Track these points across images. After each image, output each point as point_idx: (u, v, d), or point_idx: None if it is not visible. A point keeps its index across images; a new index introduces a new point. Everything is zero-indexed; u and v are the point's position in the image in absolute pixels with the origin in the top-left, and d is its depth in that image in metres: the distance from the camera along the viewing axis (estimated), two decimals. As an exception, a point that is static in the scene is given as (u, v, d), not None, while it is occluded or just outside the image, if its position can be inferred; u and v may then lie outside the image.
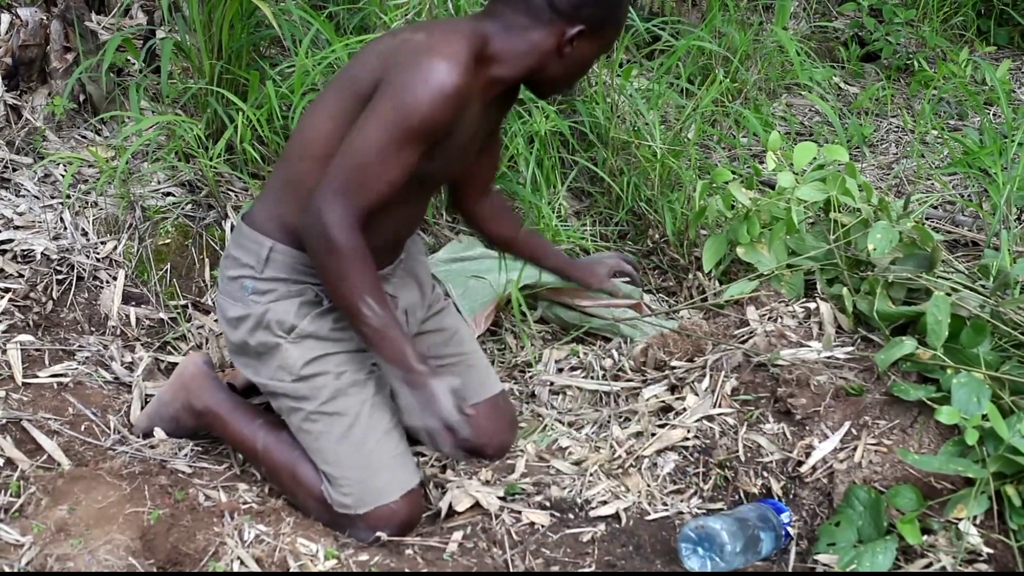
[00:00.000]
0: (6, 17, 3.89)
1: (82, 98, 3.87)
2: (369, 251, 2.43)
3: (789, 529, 2.59)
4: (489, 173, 3.03)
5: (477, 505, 2.72)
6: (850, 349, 2.95)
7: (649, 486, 2.79)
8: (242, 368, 2.72)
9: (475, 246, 3.63)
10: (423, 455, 2.93)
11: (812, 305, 3.15)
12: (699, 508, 2.72)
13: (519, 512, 2.70)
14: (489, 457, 2.91)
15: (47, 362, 3.07)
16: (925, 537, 2.44)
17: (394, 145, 2.38)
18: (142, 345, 3.26)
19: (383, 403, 2.65)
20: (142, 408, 2.96)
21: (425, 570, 2.48)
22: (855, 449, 2.67)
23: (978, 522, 2.46)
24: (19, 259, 3.32)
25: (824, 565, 2.48)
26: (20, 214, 3.45)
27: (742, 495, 2.74)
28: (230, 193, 3.69)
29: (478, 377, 2.92)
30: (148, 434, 2.88)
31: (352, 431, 2.57)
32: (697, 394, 2.99)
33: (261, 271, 2.61)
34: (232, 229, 3.56)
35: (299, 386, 2.59)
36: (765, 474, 2.75)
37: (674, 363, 3.13)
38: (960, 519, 2.45)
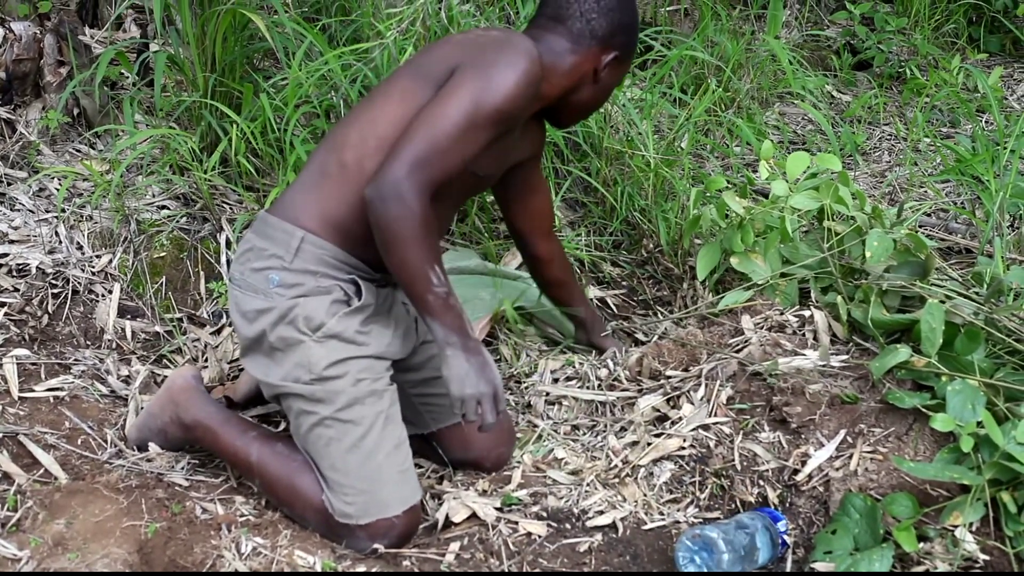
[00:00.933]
0: None
1: (76, 112, 3.88)
2: (434, 221, 2.49)
3: (786, 537, 2.59)
4: (547, 208, 3.21)
5: (474, 516, 2.72)
6: (845, 357, 2.95)
7: (645, 495, 2.79)
8: (252, 367, 2.69)
9: (471, 257, 3.63)
10: (421, 465, 2.94)
11: (807, 313, 3.15)
12: (696, 517, 2.72)
13: (516, 522, 2.70)
14: (487, 470, 2.92)
15: (43, 376, 3.07)
16: (921, 544, 2.45)
17: (476, 121, 2.47)
18: (138, 358, 3.26)
19: (395, 417, 2.66)
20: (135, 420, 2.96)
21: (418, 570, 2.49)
22: (851, 457, 2.68)
23: (974, 529, 2.46)
24: (14, 273, 3.32)
25: (821, 573, 2.48)
26: (15, 228, 3.46)
27: (738, 504, 2.74)
28: (225, 206, 3.69)
29: None
30: (142, 446, 2.88)
31: (363, 442, 2.57)
32: (693, 403, 2.99)
33: (290, 261, 2.59)
34: (227, 242, 3.56)
35: (316, 388, 2.58)
36: (761, 483, 2.76)
37: (669, 372, 3.13)
38: (956, 526, 2.45)
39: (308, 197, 2.63)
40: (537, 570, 2.56)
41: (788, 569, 2.56)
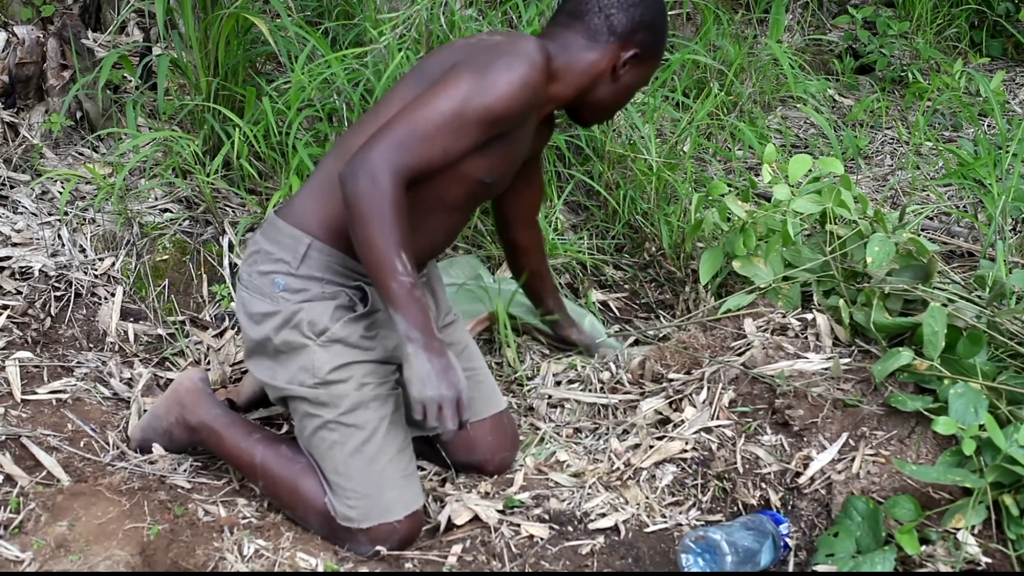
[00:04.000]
0: (2, 35, 3.90)
1: (79, 115, 3.89)
2: (404, 207, 2.39)
3: (788, 540, 2.59)
4: (536, 201, 3.20)
5: (476, 518, 2.72)
6: (847, 360, 2.95)
7: (648, 498, 2.79)
8: (256, 370, 2.70)
9: (472, 266, 3.62)
10: (423, 468, 2.94)
11: (809, 317, 3.15)
12: (698, 520, 2.72)
13: (518, 525, 2.70)
14: (489, 473, 2.92)
15: (46, 378, 3.07)
16: (923, 547, 2.45)
17: (462, 118, 2.43)
18: (140, 361, 3.27)
19: (400, 421, 2.66)
20: (138, 421, 2.96)
21: (419, 570, 2.49)
22: (853, 460, 2.68)
23: (976, 532, 2.46)
24: (17, 276, 3.33)
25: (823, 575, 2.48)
26: (18, 231, 3.46)
27: (740, 506, 2.74)
28: (227, 209, 3.70)
29: (484, 393, 2.93)
30: (146, 449, 2.88)
31: (367, 446, 2.58)
32: (695, 406, 2.99)
33: (297, 267, 2.60)
34: (230, 245, 3.56)
35: (320, 392, 2.58)
36: (763, 485, 2.76)
37: (672, 375, 3.13)
38: (958, 529, 2.45)
39: (316, 204, 2.63)
40: (539, 573, 2.56)
41: (790, 571, 2.56)
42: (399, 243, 2.36)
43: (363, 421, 2.58)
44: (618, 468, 2.89)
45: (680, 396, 3.05)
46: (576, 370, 3.32)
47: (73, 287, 3.36)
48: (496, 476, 2.92)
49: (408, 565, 2.55)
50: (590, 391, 3.22)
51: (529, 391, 3.25)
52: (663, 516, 2.74)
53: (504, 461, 2.93)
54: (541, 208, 3.29)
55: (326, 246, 2.60)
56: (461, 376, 2.43)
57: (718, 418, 2.94)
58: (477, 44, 2.58)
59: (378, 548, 2.54)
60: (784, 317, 3.18)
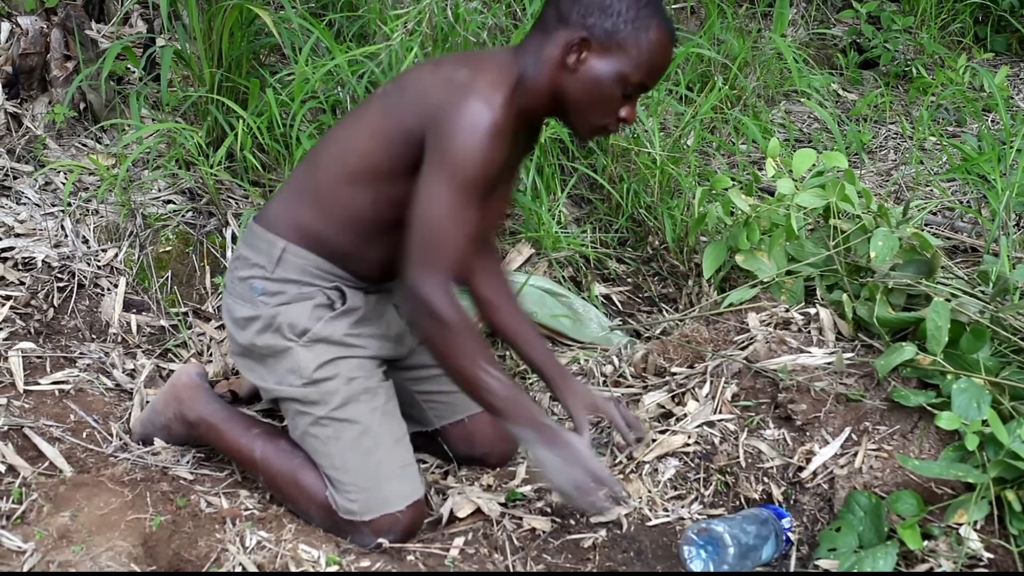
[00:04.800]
0: (6, 26, 3.90)
1: (82, 106, 3.88)
2: (469, 319, 2.42)
3: (790, 534, 2.59)
4: (492, 222, 2.87)
5: (478, 511, 2.72)
6: (850, 355, 2.95)
7: (650, 492, 2.79)
8: (245, 372, 2.72)
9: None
10: (425, 461, 2.94)
11: (812, 311, 3.15)
12: (700, 514, 2.72)
13: (520, 518, 2.71)
14: (491, 466, 2.93)
15: (48, 369, 3.07)
16: (926, 542, 2.45)
17: (462, 201, 2.36)
18: (143, 352, 3.27)
19: (393, 411, 2.66)
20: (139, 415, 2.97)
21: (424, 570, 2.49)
22: (856, 455, 2.68)
23: (979, 527, 2.46)
24: (20, 267, 3.33)
25: (825, 570, 2.48)
26: (21, 222, 3.46)
27: (743, 501, 2.74)
28: (231, 201, 3.70)
29: None
30: (147, 441, 2.88)
31: (362, 439, 2.58)
32: (698, 400, 2.99)
33: (272, 271, 2.60)
34: (233, 236, 3.57)
35: (309, 391, 2.59)
36: (766, 480, 2.76)
37: (675, 369, 3.13)
38: (960, 524, 2.45)
39: (289, 209, 2.63)
40: (541, 566, 2.56)
41: (792, 566, 2.56)
42: (478, 358, 2.41)
43: (355, 415, 2.58)
44: (620, 462, 2.89)
45: (683, 390, 3.05)
46: (579, 364, 3.32)
47: (76, 278, 3.36)
48: (498, 469, 2.92)
49: (410, 558, 2.55)
50: (593, 385, 3.22)
51: (531, 385, 3.25)
52: (665, 510, 2.74)
53: (505, 454, 2.93)
54: (541, 206, 3.15)
55: (300, 249, 2.59)
56: (587, 453, 2.44)
57: (721, 412, 2.94)
58: (442, 91, 2.42)
59: (380, 540, 2.55)
60: (787, 311, 3.18)
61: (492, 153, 2.35)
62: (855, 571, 2.41)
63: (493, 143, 2.35)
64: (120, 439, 2.89)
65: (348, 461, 2.57)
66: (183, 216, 3.59)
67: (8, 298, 3.21)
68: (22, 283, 3.28)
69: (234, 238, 3.57)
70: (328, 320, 2.60)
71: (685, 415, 2.95)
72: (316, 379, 2.58)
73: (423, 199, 2.37)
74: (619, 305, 3.71)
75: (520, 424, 2.43)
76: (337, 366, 2.59)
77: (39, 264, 3.33)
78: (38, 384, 3.00)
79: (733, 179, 3.73)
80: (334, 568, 2.44)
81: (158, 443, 2.87)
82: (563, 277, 3.72)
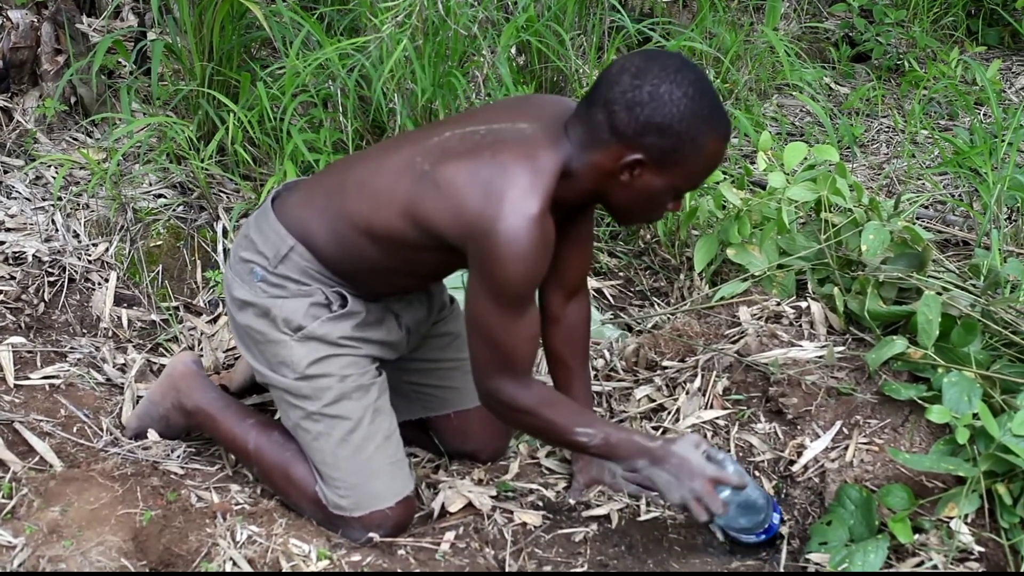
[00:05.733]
0: (-3, 19, 3.90)
1: (73, 100, 3.88)
2: (551, 391, 2.58)
3: (781, 529, 2.60)
4: (577, 270, 2.81)
5: (470, 505, 2.72)
6: (841, 349, 2.95)
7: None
8: (242, 349, 2.70)
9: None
10: (416, 455, 2.94)
11: (803, 305, 3.15)
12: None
13: (511, 512, 2.71)
14: (483, 461, 2.92)
15: (39, 364, 3.07)
16: (916, 536, 2.45)
17: (511, 315, 2.36)
18: (134, 347, 3.26)
19: (384, 408, 2.65)
20: (134, 410, 2.96)
21: (418, 570, 2.49)
22: (846, 448, 2.68)
23: (969, 520, 2.46)
24: (11, 261, 3.32)
25: (816, 564, 2.48)
26: (11, 216, 3.46)
27: (734, 495, 2.74)
28: (222, 195, 3.69)
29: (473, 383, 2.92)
30: (140, 435, 2.88)
31: (352, 436, 2.57)
32: (689, 394, 2.99)
33: (275, 267, 2.57)
34: (224, 231, 3.56)
35: (302, 385, 2.58)
36: (757, 473, 2.76)
37: (666, 363, 3.13)
38: (951, 518, 2.45)
39: (307, 212, 2.58)
40: (532, 561, 2.56)
41: (783, 560, 2.56)
42: (571, 423, 2.48)
43: (347, 412, 2.58)
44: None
45: (674, 384, 3.06)
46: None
47: (67, 272, 3.36)
48: (490, 463, 2.92)
49: (401, 552, 2.55)
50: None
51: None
52: (656, 505, 2.74)
53: (498, 450, 2.93)
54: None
55: (307, 252, 2.56)
56: (697, 460, 2.44)
57: (712, 406, 2.94)
58: (480, 187, 2.30)
59: (371, 535, 2.55)
60: (778, 305, 3.18)
61: (534, 267, 2.31)
62: (846, 565, 2.41)
63: (534, 259, 2.29)
64: (111, 434, 2.88)
65: (338, 457, 2.56)
66: (174, 210, 3.59)
67: (-2, 292, 3.21)
68: (12, 277, 3.27)
69: (225, 232, 3.56)
70: (324, 320, 2.57)
71: (676, 409, 2.96)
72: (309, 375, 2.57)
73: (478, 314, 2.39)
74: (611, 299, 3.70)
75: (625, 459, 2.48)
76: (330, 364, 2.58)
77: (29, 258, 3.33)
78: (28, 379, 2.99)
79: (724, 173, 3.73)
80: (325, 563, 2.44)
81: (150, 437, 2.86)
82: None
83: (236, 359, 3.24)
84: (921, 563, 2.41)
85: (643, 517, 2.71)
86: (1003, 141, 3.91)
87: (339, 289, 2.60)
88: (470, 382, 2.71)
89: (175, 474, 2.72)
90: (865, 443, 2.67)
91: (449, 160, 2.38)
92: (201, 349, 3.30)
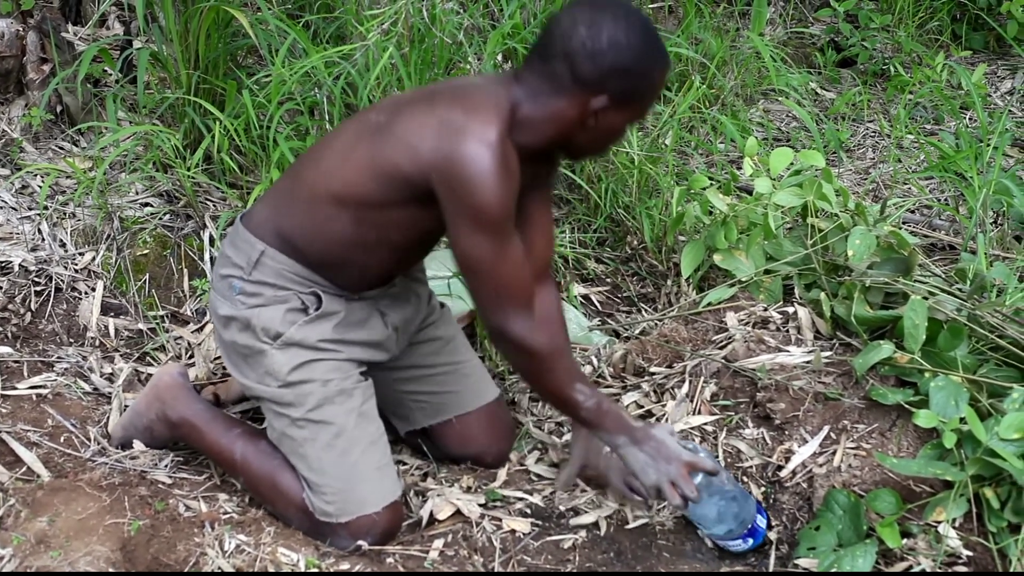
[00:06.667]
0: (-18, 28, 3.89)
1: (59, 109, 3.87)
2: (556, 344, 2.59)
3: (769, 534, 2.60)
4: (545, 249, 2.83)
5: (458, 513, 2.72)
6: (828, 354, 2.96)
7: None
8: (229, 367, 2.71)
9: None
10: (404, 463, 2.93)
11: (790, 310, 3.16)
12: (677, 516, 2.72)
13: (500, 520, 2.71)
14: (488, 465, 2.93)
15: (26, 374, 3.06)
16: (905, 540, 2.45)
17: (499, 241, 2.39)
18: (121, 356, 3.26)
19: (370, 413, 2.65)
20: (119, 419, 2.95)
21: (406, 578, 2.49)
22: (834, 453, 2.68)
23: (957, 525, 2.47)
24: (-3, 271, 3.32)
25: (804, 569, 2.49)
26: (-3, 226, 3.45)
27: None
28: (208, 203, 3.69)
29: (473, 385, 2.93)
30: (127, 445, 2.87)
31: (337, 441, 2.57)
32: (677, 400, 2.99)
33: (249, 273, 2.60)
34: (211, 239, 3.56)
35: (285, 392, 2.58)
36: (745, 479, 2.76)
37: (654, 369, 3.14)
38: (939, 522, 2.46)
39: (272, 214, 2.63)
40: (521, 568, 2.56)
41: (771, 565, 2.57)
42: (569, 378, 2.55)
43: (331, 416, 2.58)
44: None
45: (662, 390, 3.06)
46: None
47: (53, 282, 3.35)
48: (495, 468, 2.94)
49: (389, 560, 2.55)
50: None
51: (511, 385, 3.24)
52: (644, 510, 2.74)
53: (501, 452, 2.94)
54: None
55: (279, 254, 2.59)
56: (674, 444, 2.54)
57: (700, 412, 2.94)
58: (438, 137, 2.38)
59: (359, 543, 2.54)
60: (766, 310, 3.18)
61: (505, 189, 2.36)
62: (834, 570, 2.42)
63: (502, 180, 2.35)
64: (98, 443, 2.88)
65: (324, 462, 2.56)
66: (160, 219, 3.58)
67: (-16, 302, 3.20)
68: (-1, 287, 3.27)
69: (212, 241, 3.56)
70: (301, 325, 2.59)
71: (664, 415, 2.96)
72: (291, 381, 2.58)
73: (466, 252, 2.42)
74: (598, 305, 3.71)
75: (609, 431, 2.55)
76: (312, 369, 2.59)
77: (16, 268, 3.32)
78: (15, 389, 2.99)
79: (711, 178, 3.74)
80: (313, 571, 2.44)
81: (136, 447, 2.86)
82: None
83: (225, 369, 3.24)
84: (909, 567, 2.42)
85: (632, 524, 2.71)
86: (988, 145, 3.93)
87: (315, 289, 2.62)
88: (468, 384, 2.77)
89: (163, 484, 2.72)
90: (853, 448, 2.68)
91: (403, 108, 2.49)
92: (191, 358, 3.29)
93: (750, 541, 2.58)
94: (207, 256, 3.54)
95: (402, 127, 2.44)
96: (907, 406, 2.67)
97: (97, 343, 3.28)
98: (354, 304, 2.67)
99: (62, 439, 2.85)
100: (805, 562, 2.49)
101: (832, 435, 2.74)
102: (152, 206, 3.64)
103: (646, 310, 3.68)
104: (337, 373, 2.61)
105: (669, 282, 3.71)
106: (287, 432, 2.60)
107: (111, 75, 4.01)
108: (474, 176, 2.32)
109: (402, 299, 2.79)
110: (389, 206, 2.47)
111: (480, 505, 2.75)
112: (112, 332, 3.33)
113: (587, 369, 3.24)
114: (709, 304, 3.28)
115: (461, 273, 2.49)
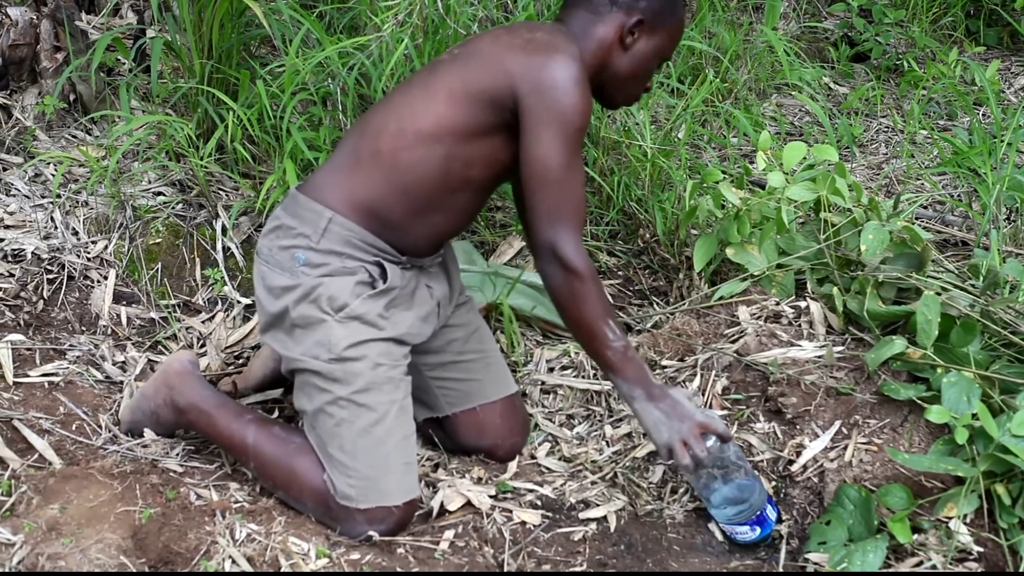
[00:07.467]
0: (-4, 16, 3.89)
1: (72, 97, 3.87)
2: (596, 274, 2.55)
3: (779, 527, 2.60)
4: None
5: (469, 504, 2.72)
6: (840, 348, 2.95)
7: (639, 486, 2.79)
8: (272, 341, 2.69)
9: (466, 252, 3.61)
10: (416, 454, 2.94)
11: (802, 304, 3.15)
12: (687, 509, 2.72)
13: (510, 511, 2.71)
14: (500, 459, 2.93)
15: (38, 361, 3.07)
16: (915, 536, 2.45)
17: (574, 153, 2.49)
18: (133, 344, 3.26)
19: (408, 409, 2.66)
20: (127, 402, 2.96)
21: (416, 569, 2.49)
22: (846, 448, 2.68)
23: (968, 521, 2.47)
24: (10, 258, 3.32)
25: (815, 564, 2.48)
26: (11, 213, 3.45)
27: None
28: (221, 192, 3.69)
29: (495, 375, 2.94)
30: (137, 433, 2.87)
31: (375, 428, 2.57)
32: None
33: (317, 242, 2.60)
34: (223, 228, 3.56)
35: (334, 367, 2.57)
36: (756, 473, 2.76)
37: (665, 362, 3.13)
38: (950, 518, 2.46)
39: (338, 179, 2.64)
40: (531, 560, 2.56)
41: (782, 560, 2.56)
42: (604, 313, 2.55)
43: (374, 402, 2.58)
44: (610, 455, 2.89)
45: (673, 383, 3.06)
46: (569, 356, 3.32)
47: (66, 270, 3.36)
48: (507, 462, 2.94)
49: (400, 550, 2.55)
50: (583, 377, 3.22)
51: (522, 377, 3.25)
52: (655, 504, 2.74)
53: (515, 446, 2.94)
54: None
55: (347, 220, 2.60)
56: (689, 405, 2.56)
57: (711, 406, 2.94)
58: (524, 47, 2.55)
59: (371, 532, 2.54)
60: (778, 305, 3.18)
61: (588, 102, 2.52)
62: (844, 564, 2.42)
63: (586, 93, 2.51)
64: (110, 431, 2.88)
65: (358, 446, 2.56)
66: (173, 208, 3.59)
67: (-3, 290, 3.21)
68: (11, 275, 3.27)
69: (224, 230, 3.56)
70: (366, 298, 2.60)
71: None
72: (345, 357, 2.57)
73: (539, 158, 2.49)
74: (610, 298, 3.70)
75: (628, 379, 2.56)
76: (367, 348, 2.59)
77: (29, 256, 3.33)
78: (27, 376, 2.99)
79: (724, 172, 3.73)
80: (324, 561, 2.44)
81: (148, 435, 2.86)
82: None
83: (236, 357, 3.24)
84: (920, 563, 2.42)
85: (642, 516, 2.70)
86: (1002, 141, 3.92)
87: (379, 259, 2.64)
88: (491, 374, 2.79)
89: (174, 472, 2.72)
90: (864, 443, 2.67)
91: (481, 37, 2.69)
92: (202, 347, 3.29)
93: (758, 530, 2.57)
94: (219, 245, 3.54)
95: (487, 48, 2.60)
96: (919, 401, 2.67)
97: (109, 331, 3.29)
98: (406, 274, 2.70)
99: (74, 427, 2.86)
100: (815, 557, 2.49)
101: (844, 430, 2.73)
102: (165, 195, 3.64)
103: (658, 303, 3.68)
104: (388, 359, 2.62)
105: (681, 276, 3.71)
106: (326, 409, 2.59)
107: (124, 64, 4.01)
108: (564, 82, 2.48)
109: (442, 275, 2.85)
110: (478, 136, 2.56)
111: (491, 496, 2.75)
112: (124, 321, 3.33)
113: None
114: (721, 298, 3.27)
115: (526, 185, 2.52)
